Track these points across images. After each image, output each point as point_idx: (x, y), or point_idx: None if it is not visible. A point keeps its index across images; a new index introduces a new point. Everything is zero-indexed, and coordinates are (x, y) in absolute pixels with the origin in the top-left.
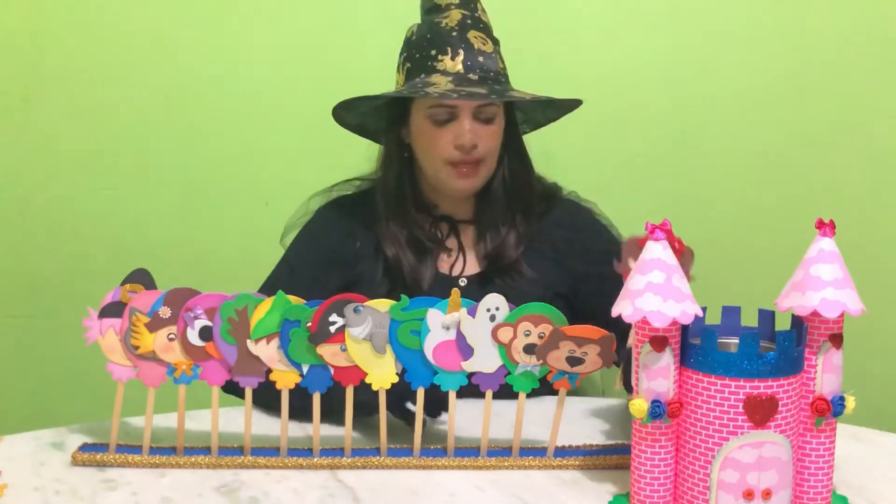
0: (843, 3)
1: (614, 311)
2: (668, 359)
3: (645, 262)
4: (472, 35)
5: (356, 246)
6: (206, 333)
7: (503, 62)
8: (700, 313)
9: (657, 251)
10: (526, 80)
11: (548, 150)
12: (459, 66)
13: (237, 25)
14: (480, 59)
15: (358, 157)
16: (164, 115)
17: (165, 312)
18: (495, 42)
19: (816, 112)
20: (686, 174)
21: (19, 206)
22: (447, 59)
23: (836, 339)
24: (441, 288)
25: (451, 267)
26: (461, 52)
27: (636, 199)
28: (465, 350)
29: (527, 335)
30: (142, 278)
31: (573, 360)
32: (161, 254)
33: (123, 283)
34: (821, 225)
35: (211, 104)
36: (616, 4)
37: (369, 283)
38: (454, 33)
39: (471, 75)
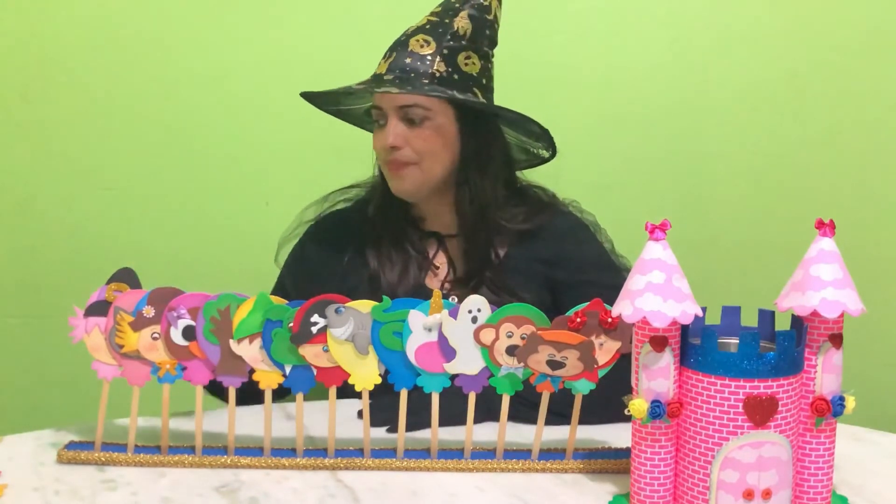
0: (844, 4)
1: (614, 312)
2: (668, 359)
3: (645, 262)
4: (416, 38)
5: (345, 261)
6: (189, 333)
7: (452, 66)
8: (700, 313)
9: (657, 251)
10: (526, 81)
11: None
12: (384, 68)
13: (237, 25)
14: (407, 60)
15: (358, 157)
16: (165, 115)
17: (149, 312)
18: (450, 47)
19: (817, 112)
20: (686, 174)
21: (19, 206)
22: (383, 60)
23: (836, 339)
24: None
25: (442, 284)
26: (394, 54)
27: (636, 199)
28: (448, 352)
29: (509, 336)
30: (127, 277)
31: (554, 364)
32: (161, 254)
33: (108, 283)
34: (821, 225)
35: (211, 104)
36: (616, 5)
37: (354, 293)
38: (403, 38)
39: (387, 76)
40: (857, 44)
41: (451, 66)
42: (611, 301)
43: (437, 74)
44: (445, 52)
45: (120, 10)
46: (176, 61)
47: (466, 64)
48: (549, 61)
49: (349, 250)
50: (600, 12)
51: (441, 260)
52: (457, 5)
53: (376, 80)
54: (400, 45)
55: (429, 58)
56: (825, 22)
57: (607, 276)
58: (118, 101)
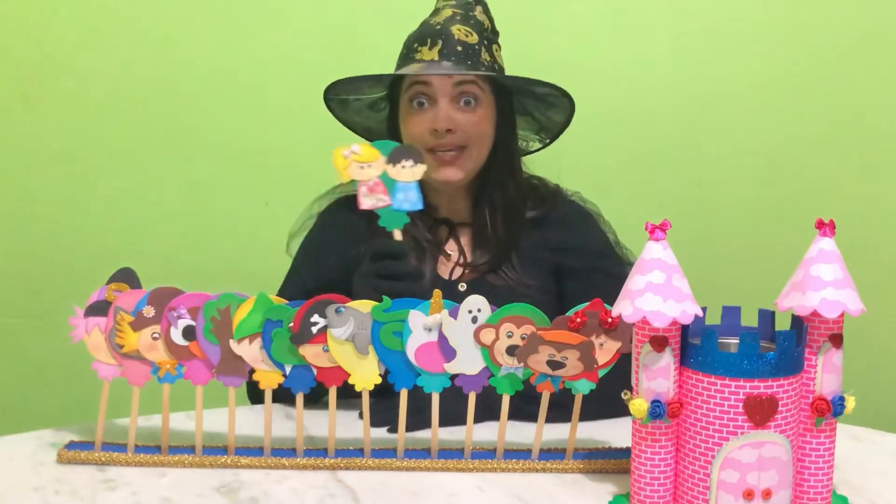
0: (844, 4)
1: (614, 312)
2: (668, 359)
3: (645, 262)
4: (456, 28)
5: (360, 249)
6: (189, 333)
7: (493, 57)
8: (700, 313)
9: (657, 251)
10: None
11: (549, 150)
12: (435, 55)
13: (238, 25)
14: (459, 48)
15: None
16: (165, 115)
17: (149, 311)
18: (488, 39)
19: (816, 112)
20: (686, 174)
21: (19, 206)
22: (425, 48)
23: (836, 339)
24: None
25: (451, 271)
26: (440, 42)
27: (636, 199)
28: (448, 352)
29: (509, 336)
30: (127, 277)
31: (554, 364)
32: (161, 254)
33: (108, 283)
34: (821, 225)
35: (211, 104)
36: (617, 4)
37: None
38: (438, 27)
39: (445, 62)
40: (858, 44)
41: (491, 56)
42: (616, 289)
43: (486, 63)
44: (486, 43)
45: (120, 11)
46: (176, 62)
47: (498, 55)
48: (549, 61)
49: (363, 236)
50: (602, 12)
51: (452, 247)
52: (469, 1)
53: (432, 64)
54: (444, 34)
55: (476, 46)
56: (826, 22)
57: (612, 264)
58: (118, 101)
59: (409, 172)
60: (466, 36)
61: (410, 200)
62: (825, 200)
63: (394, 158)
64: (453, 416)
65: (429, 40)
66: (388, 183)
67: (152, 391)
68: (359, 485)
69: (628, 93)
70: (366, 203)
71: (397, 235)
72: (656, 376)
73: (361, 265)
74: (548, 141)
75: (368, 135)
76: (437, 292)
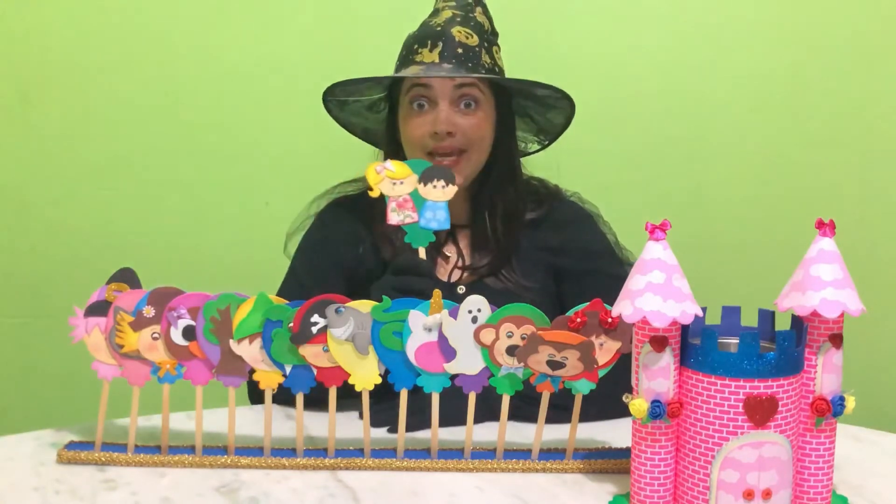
0: (844, 4)
1: (614, 312)
2: (668, 359)
3: (645, 262)
4: (457, 30)
5: (359, 251)
6: (189, 333)
7: (493, 59)
8: (700, 313)
9: (657, 251)
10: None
11: (548, 150)
12: (435, 57)
13: (238, 25)
14: (459, 50)
15: (358, 157)
16: (165, 115)
17: (149, 311)
18: (488, 40)
19: (816, 112)
20: (686, 174)
21: (19, 206)
22: (426, 50)
23: (836, 339)
24: None
25: (450, 274)
26: (440, 44)
27: (636, 198)
28: (448, 352)
29: (509, 336)
30: (127, 277)
31: (554, 364)
32: (161, 254)
33: (108, 283)
34: (821, 225)
35: (211, 104)
36: (617, 5)
37: (369, 282)
38: (438, 28)
39: (445, 64)
40: (858, 43)
41: (491, 58)
42: (616, 290)
43: (486, 65)
44: (486, 45)
45: (120, 11)
46: (176, 62)
47: (498, 57)
48: (548, 60)
49: (362, 237)
50: (601, 12)
51: (451, 250)
52: (469, 2)
53: (432, 67)
54: (445, 36)
55: (476, 48)
56: (827, 22)
57: (611, 265)
58: (118, 101)
59: (441, 192)
60: (467, 38)
61: (439, 220)
62: (825, 200)
63: (426, 178)
64: (453, 416)
65: (429, 42)
66: (417, 200)
67: (152, 391)
68: (359, 485)
69: (628, 93)
70: (393, 218)
71: (422, 253)
72: (656, 376)
73: (384, 276)
74: (546, 142)
75: (367, 135)
76: (436, 292)
